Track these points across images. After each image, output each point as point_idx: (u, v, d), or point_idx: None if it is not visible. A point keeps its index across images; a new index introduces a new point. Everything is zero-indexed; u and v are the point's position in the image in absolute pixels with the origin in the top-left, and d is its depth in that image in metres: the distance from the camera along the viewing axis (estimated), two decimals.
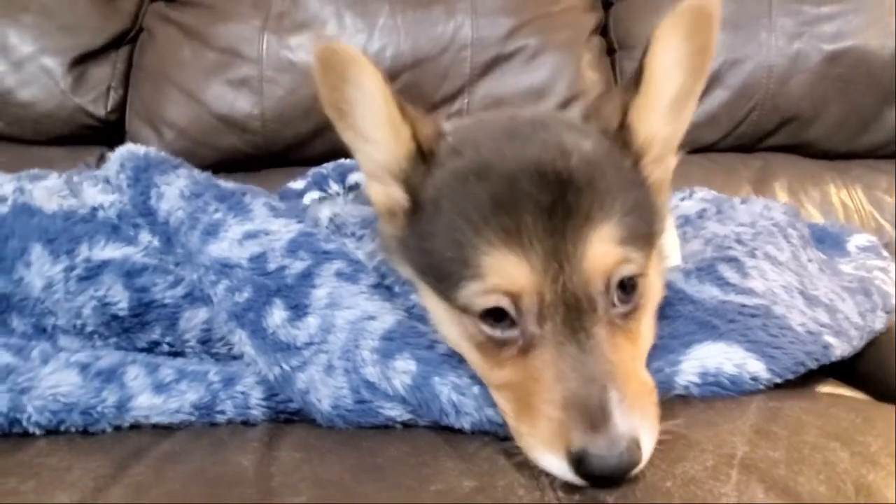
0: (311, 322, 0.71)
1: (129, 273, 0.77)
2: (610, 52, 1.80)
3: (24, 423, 0.69)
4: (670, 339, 0.72)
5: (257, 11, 1.69)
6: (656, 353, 0.70)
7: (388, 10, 1.68)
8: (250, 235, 0.77)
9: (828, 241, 1.04)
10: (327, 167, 1.15)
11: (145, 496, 0.57)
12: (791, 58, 1.66)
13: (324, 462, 0.62)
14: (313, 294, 0.72)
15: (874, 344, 0.82)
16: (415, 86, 1.67)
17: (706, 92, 1.63)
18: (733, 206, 1.01)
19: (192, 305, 0.77)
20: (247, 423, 0.71)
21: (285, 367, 0.70)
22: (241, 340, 0.72)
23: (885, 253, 1.02)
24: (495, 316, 0.63)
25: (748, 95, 1.68)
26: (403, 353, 0.68)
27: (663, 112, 0.70)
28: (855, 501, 0.54)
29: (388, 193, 0.72)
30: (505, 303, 0.62)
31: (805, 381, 0.74)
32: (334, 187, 1.12)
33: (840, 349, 0.75)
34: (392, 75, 1.62)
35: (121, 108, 1.73)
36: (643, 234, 0.66)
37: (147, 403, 0.70)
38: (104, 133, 1.73)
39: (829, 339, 0.74)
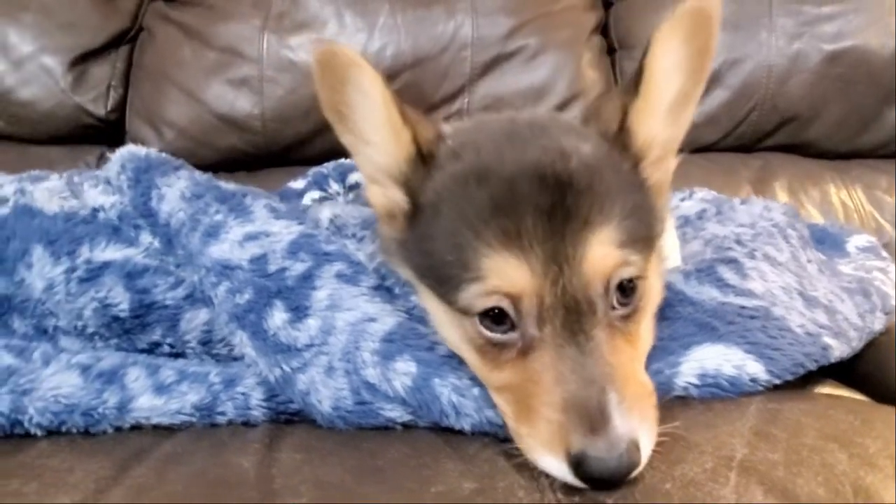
0: (312, 324, 0.71)
1: (130, 274, 0.77)
2: (610, 51, 1.80)
3: (26, 424, 0.69)
4: (670, 340, 0.72)
5: (257, 11, 1.69)
6: (656, 354, 0.70)
7: (388, 10, 1.68)
8: (251, 237, 0.77)
9: (827, 241, 1.05)
10: (327, 167, 1.15)
11: (146, 498, 0.57)
12: (791, 58, 1.66)
13: (325, 463, 0.62)
14: (314, 296, 0.73)
15: (873, 345, 0.82)
16: (415, 85, 1.67)
17: (706, 92, 1.63)
18: (733, 207, 1.01)
19: (193, 307, 0.77)
20: (247, 424, 0.71)
21: (286, 368, 0.70)
22: (242, 342, 0.73)
23: (884, 254, 1.02)
24: (495, 318, 0.63)
25: (748, 95, 1.68)
26: (404, 355, 0.68)
27: (663, 115, 0.70)
28: (853, 503, 0.54)
29: (387, 196, 0.72)
30: (505, 303, 0.62)
31: (804, 381, 0.75)
32: (334, 187, 1.12)
33: (839, 350, 0.75)
34: (392, 75, 1.63)
35: (121, 107, 1.73)
36: (643, 237, 0.66)
37: (148, 404, 0.70)
38: (104, 132, 1.73)
39: (828, 340, 0.75)
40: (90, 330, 0.77)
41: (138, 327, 0.77)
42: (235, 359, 0.76)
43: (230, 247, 0.76)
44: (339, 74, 0.67)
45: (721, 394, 0.69)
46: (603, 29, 1.81)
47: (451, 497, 0.56)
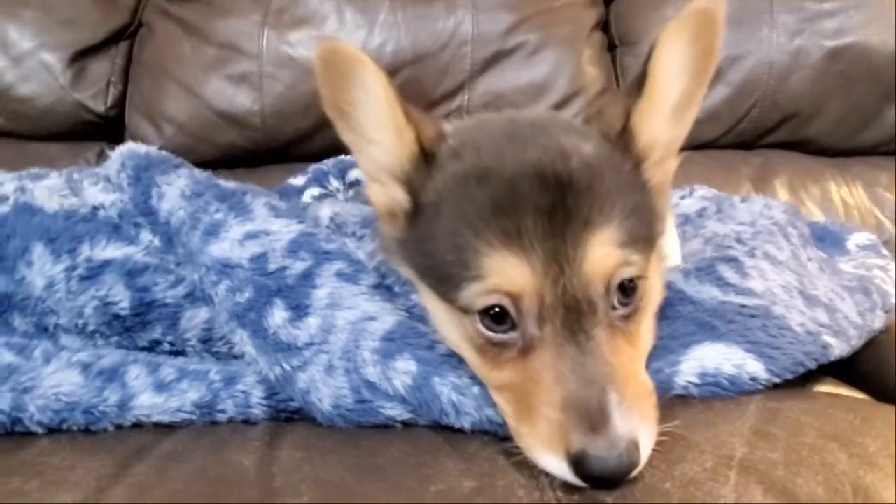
0: (312, 322, 0.71)
1: (131, 273, 0.77)
2: (611, 48, 1.80)
3: (27, 422, 0.69)
4: (670, 339, 0.72)
5: (257, 7, 1.69)
6: (656, 353, 0.70)
7: (388, 6, 1.68)
8: (251, 236, 0.77)
9: (828, 239, 1.04)
10: (327, 163, 1.15)
11: (147, 496, 0.57)
12: (792, 54, 1.66)
13: (325, 462, 0.62)
14: (314, 294, 0.73)
15: (873, 343, 0.82)
16: (415, 82, 1.67)
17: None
18: (733, 205, 1.01)
19: (193, 305, 0.77)
20: (248, 422, 0.71)
21: (286, 366, 0.70)
22: (242, 340, 0.73)
23: (884, 251, 1.02)
24: (495, 318, 0.63)
25: (749, 92, 1.67)
26: (404, 354, 0.68)
27: (666, 116, 0.70)
28: (853, 502, 0.54)
29: (388, 195, 0.72)
30: (506, 302, 0.62)
31: (804, 380, 0.75)
32: (334, 184, 1.12)
33: (839, 349, 0.76)
34: (392, 71, 1.62)
35: (120, 103, 1.73)
36: (643, 237, 0.66)
37: (148, 402, 0.70)
38: (104, 128, 1.73)
39: (828, 338, 0.75)
40: (91, 328, 0.77)
41: (139, 325, 0.77)
42: (236, 357, 0.77)
43: (230, 245, 0.76)
44: (342, 72, 0.66)
45: (721, 393, 0.69)
46: (603, 25, 1.80)
47: (451, 495, 0.56)
